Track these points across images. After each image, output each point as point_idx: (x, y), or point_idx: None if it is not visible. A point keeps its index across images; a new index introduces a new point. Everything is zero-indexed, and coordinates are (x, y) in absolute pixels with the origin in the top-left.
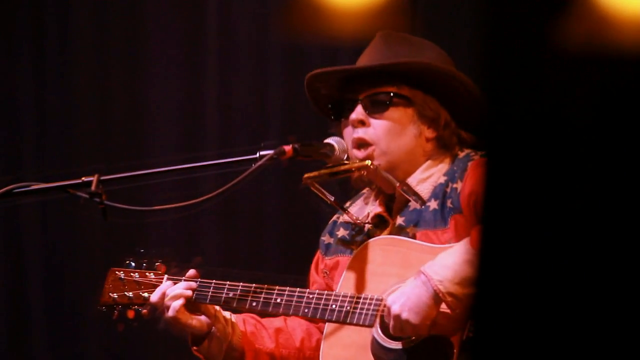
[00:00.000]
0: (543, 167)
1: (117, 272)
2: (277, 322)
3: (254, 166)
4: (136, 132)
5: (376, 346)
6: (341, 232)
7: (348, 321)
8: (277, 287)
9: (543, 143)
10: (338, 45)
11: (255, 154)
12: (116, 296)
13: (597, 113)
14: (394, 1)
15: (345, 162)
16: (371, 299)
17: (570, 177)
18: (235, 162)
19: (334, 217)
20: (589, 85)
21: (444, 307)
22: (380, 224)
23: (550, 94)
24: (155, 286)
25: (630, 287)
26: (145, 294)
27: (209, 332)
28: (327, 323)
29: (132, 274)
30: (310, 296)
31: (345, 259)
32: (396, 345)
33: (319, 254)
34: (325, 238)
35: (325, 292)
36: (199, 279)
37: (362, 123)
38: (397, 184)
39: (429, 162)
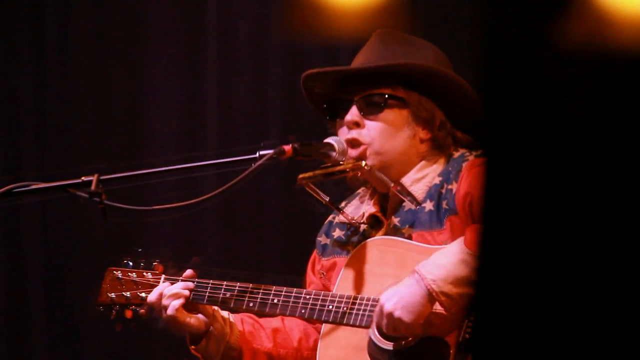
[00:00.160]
0: (543, 167)
1: (114, 272)
2: (275, 322)
3: (253, 166)
4: (136, 132)
5: (372, 347)
6: (337, 233)
7: (344, 322)
8: (274, 288)
9: (543, 143)
10: (338, 45)
11: (255, 153)
12: (114, 296)
13: (597, 113)
14: (394, 1)
15: (340, 162)
16: (367, 299)
17: (570, 177)
18: (235, 161)
19: (330, 217)
20: (589, 85)
21: (438, 307)
22: (375, 224)
23: (550, 94)
24: (152, 286)
25: (629, 287)
26: (143, 294)
27: (206, 331)
28: (323, 324)
29: (129, 273)
30: (307, 297)
31: (342, 260)
32: (392, 346)
33: (315, 255)
34: (322, 238)
35: (322, 292)
36: (196, 279)
37: (356, 124)
38: (392, 185)
39: (423, 162)
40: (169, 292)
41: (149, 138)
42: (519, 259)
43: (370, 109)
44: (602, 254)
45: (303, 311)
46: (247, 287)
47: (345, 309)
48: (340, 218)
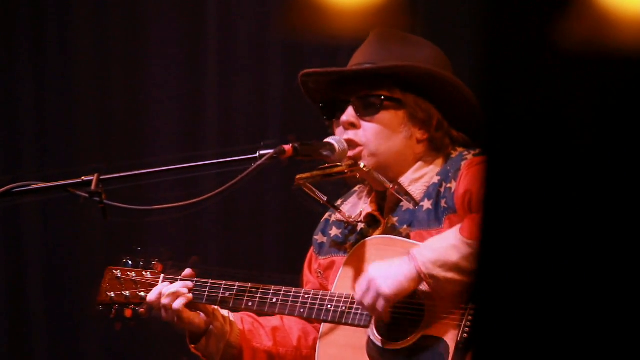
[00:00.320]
0: (542, 166)
1: (114, 271)
2: (275, 321)
3: (253, 165)
4: (136, 131)
5: (371, 347)
6: (334, 232)
7: (343, 321)
8: (272, 287)
9: (542, 142)
10: (338, 45)
11: (255, 153)
12: (113, 295)
13: (597, 112)
14: (394, 0)
15: (338, 163)
16: None
17: (570, 176)
18: (235, 161)
19: (326, 215)
20: (589, 85)
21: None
22: (372, 223)
23: (550, 93)
24: (152, 285)
25: (629, 284)
26: (142, 293)
27: (206, 330)
28: (322, 323)
29: (128, 272)
30: (306, 296)
31: (340, 259)
32: (391, 346)
33: (312, 253)
34: (318, 237)
35: (321, 292)
36: (195, 279)
37: (352, 125)
38: (390, 185)
39: (420, 163)
40: (168, 291)
41: (149, 138)
42: (518, 258)
43: (366, 110)
44: (601, 253)
45: (302, 310)
46: (246, 287)
47: (344, 308)
48: (337, 216)
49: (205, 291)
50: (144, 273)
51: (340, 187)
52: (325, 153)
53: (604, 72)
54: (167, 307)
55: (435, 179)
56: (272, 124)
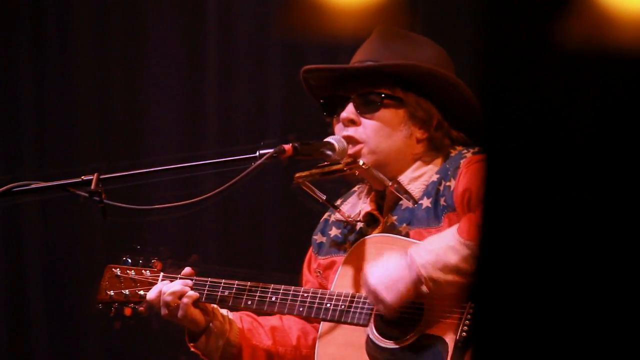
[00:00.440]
0: (542, 165)
1: (113, 269)
2: (274, 320)
3: (253, 165)
4: (136, 131)
5: (371, 346)
6: (333, 232)
7: (343, 320)
8: (272, 286)
9: (542, 142)
10: (338, 44)
11: (255, 152)
12: (112, 293)
13: (597, 112)
14: (394, 0)
15: (338, 162)
16: (365, 298)
17: (570, 176)
18: (235, 160)
19: (326, 215)
20: (589, 84)
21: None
22: (371, 222)
23: (550, 93)
24: (151, 284)
25: (628, 283)
26: (142, 292)
27: (206, 328)
28: (322, 322)
29: (128, 271)
30: (305, 295)
31: (340, 259)
32: (391, 344)
33: (311, 253)
34: (318, 237)
35: (320, 290)
36: (195, 277)
37: (352, 122)
38: (389, 184)
39: (419, 162)
40: (171, 290)
41: (149, 137)
42: (518, 257)
43: (367, 107)
44: (601, 253)
45: (301, 309)
46: (246, 285)
47: (343, 307)
48: (336, 216)
49: (204, 290)
50: (143, 271)
51: (339, 186)
52: (325, 152)
53: (603, 71)
54: (170, 305)
55: (435, 177)
56: (272, 123)
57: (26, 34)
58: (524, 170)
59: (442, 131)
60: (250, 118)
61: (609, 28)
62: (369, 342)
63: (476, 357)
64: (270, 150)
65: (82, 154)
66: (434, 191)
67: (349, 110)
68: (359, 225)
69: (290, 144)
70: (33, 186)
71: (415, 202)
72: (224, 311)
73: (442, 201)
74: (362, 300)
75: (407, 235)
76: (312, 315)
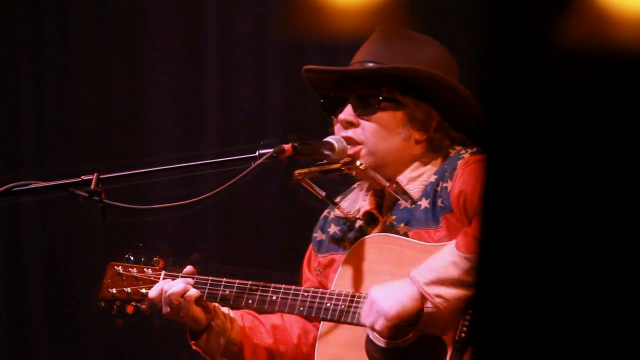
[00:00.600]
0: (542, 166)
1: (115, 267)
2: (275, 318)
3: (253, 165)
4: (136, 131)
5: (371, 346)
6: (332, 229)
7: (342, 320)
8: (272, 285)
9: (542, 141)
10: (338, 44)
11: (255, 152)
12: (115, 291)
13: (596, 111)
14: (394, 0)
15: (337, 161)
16: (365, 297)
17: (570, 176)
18: (234, 160)
19: (325, 213)
20: (588, 84)
21: (431, 307)
22: (370, 221)
23: (550, 92)
24: (153, 282)
25: (628, 287)
26: (144, 290)
27: (207, 327)
28: (322, 322)
29: (130, 269)
30: (305, 294)
31: (340, 257)
32: (390, 345)
33: (311, 251)
34: (317, 234)
35: (320, 290)
36: (196, 276)
37: (350, 124)
38: (387, 184)
39: (417, 162)
40: (173, 288)
41: (149, 137)
42: (517, 259)
43: (365, 109)
44: (601, 254)
45: (301, 309)
46: (246, 284)
47: (343, 307)
48: (335, 213)
49: (206, 288)
50: (145, 269)
51: (339, 184)
52: (325, 152)
53: (603, 71)
54: (171, 303)
55: (433, 178)
56: (271, 123)
57: (26, 34)
58: (524, 170)
59: (441, 132)
60: (250, 118)
61: (609, 28)
62: (369, 342)
63: (476, 358)
64: (270, 150)
65: (81, 154)
66: (432, 192)
67: (347, 112)
68: (358, 222)
69: (290, 144)
70: (33, 186)
71: (413, 202)
72: (225, 309)
73: (439, 202)
74: (362, 300)
75: (405, 235)
76: (313, 315)
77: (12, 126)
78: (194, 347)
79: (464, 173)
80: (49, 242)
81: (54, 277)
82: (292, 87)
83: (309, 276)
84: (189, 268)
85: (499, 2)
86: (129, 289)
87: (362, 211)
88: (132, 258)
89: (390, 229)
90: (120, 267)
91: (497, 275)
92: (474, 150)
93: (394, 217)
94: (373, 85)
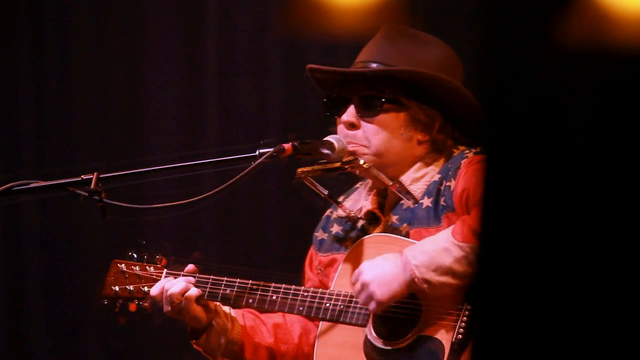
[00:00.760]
0: (542, 165)
1: (118, 265)
2: (276, 317)
3: (253, 164)
4: (136, 130)
5: (368, 346)
6: (335, 229)
7: (341, 320)
8: (273, 285)
9: (542, 141)
10: (338, 44)
11: (255, 152)
12: (117, 289)
13: (597, 111)
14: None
15: (340, 160)
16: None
17: (570, 176)
18: (234, 160)
19: (327, 212)
20: (589, 83)
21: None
22: (373, 220)
23: (550, 92)
24: (155, 280)
25: (629, 286)
26: (146, 288)
27: (208, 326)
28: (321, 322)
29: (132, 266)
30: (305, 294)
31: (341, 256)
32: (388, 345)
33: (312, 250)
34: (319, 234)
35: (320, 290)
36: (197, 275)
37: (352, 126)
38: (390, 184)
39: (420, 163)
40: (174, 286)
41: (149, 137)
42: (517, 257)
43: (367, 111)
44: (601, 253)
45: (301, 309)
46: (247, 284)
47: (342, 307)
48: (338, 213)
49: (207, 287)
50: (147, 267)
51: (342, 183)
52: (325, 151)
53: (603, 70)
54: (172, 302)
55: (436, 177)
56: (271, 123)
57: (26, 34)
58: (524, 169)
59: (444, 133)
60: (250, 117)
61: (609, 27)
62: (367, 342)
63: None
64: (270, 150)
65: (81, 154)
66: (434, 191)
67: (350, 113)
68: (361, 222)
69: (290, 143)
70: (32, 185)
71: (416, 201)
72: (226, 308)
73: (442, 201)
74: None
75: (407, 234)
76: (312, 315)
77: (12, 126)
78: (194, 346)
79: (468, 172)
80: (49, 242)
81: (54, 277)
82: (292, 87)
83: (310, 276)
84: (190, 267)
85: (499, 1)
86: (131, 287)
87: (364, 210)
88: (135, 256)
89: (392, 228)
90: (123, 264)
91: (497, 275)
92: (478, 150)
93: (396, 216)
94: (376, 87)
